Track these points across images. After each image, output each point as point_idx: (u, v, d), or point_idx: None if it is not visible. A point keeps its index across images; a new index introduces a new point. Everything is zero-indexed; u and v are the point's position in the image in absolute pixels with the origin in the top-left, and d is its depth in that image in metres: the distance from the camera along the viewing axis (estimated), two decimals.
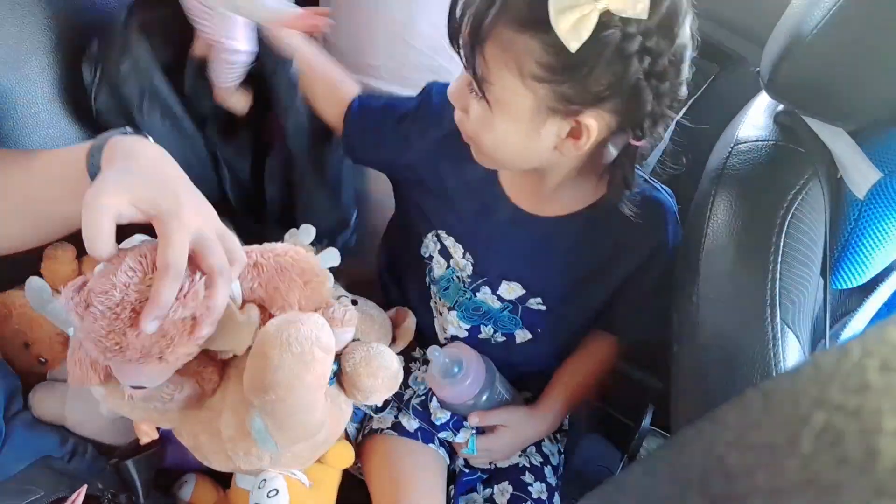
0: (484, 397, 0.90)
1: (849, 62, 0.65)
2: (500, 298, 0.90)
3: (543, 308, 0.89)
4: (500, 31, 0.63)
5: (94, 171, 0.62)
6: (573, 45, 0.60)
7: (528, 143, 0.70)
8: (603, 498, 0.23)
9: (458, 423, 0.95)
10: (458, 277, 0.92)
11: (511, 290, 0.89)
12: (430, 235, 0.93)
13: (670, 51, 0.63)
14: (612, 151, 0.73)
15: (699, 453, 0.20)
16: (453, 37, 0.68)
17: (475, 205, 0.86)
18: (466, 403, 0.90)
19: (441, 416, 0.95)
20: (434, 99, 0.86)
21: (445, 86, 0.76)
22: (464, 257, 0.90)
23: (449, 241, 0.91)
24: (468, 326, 0.95)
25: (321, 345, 0.67)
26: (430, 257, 0.94)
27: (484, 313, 0.93)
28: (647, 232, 0.82)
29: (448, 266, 0.92)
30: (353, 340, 0.77)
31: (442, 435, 0.95)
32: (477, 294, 0.91)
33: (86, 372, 0.65)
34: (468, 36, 0.65)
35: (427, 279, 0.97)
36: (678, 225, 0.85)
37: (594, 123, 0.67)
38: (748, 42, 1.08)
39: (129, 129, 0.66)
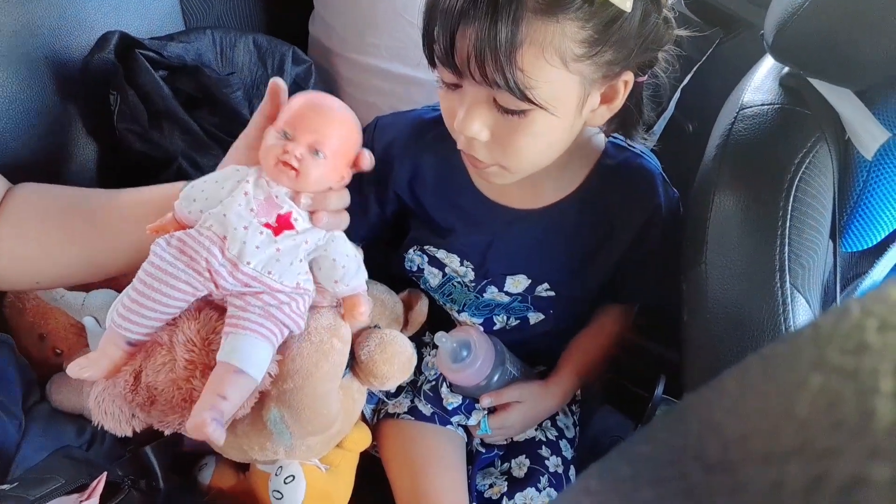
0: (495, 378, 0.90)
1: (853, 21, 0.64)
2: (507, 294, 0.90)
3: (553, 293, 0.89)
4: (531, 30, 0.58)
5: None
6: (627, 4, 0.59)
7: (571, 130, 0.68)
8: (606, 466, 0.23)
9: (469, 406, 0.95)
10: (459, 283, 0.91)
11: (517, 283, 0.88)
12: (412, 251, 0.92)
13: None
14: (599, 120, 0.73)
15: (697, 420, 0.20)
16: (448, 56, 0.61)
17: (463, 220, 0.84)
18: (478, 385, 0.89)
19: (453, 401, 0.95)
20: (386, 136, 0.84)
21: (392, 118, 0.76)
22: (462, 265, 0.89)
23: (440, 253, 0.89)
24: (481, 320, 0.95)
25: (339, 335, 0.68)
26: (420, 270, 0.93)
27: (495, 307, 0.93)
28: (639, 200, 0.82)
29: (444, 275, 0.91)
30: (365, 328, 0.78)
31: (455, 419, 0.95)
32: (484, 294, 0.91)
33: (118, 425, 0.67)
34: (496, 48, 0.58)
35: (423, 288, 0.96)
36: (667, 185, 0.84)
37: (630, 76, 0.67)
38: (753, 5, 1.06)
39: None
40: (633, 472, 0.20)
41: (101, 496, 0.68)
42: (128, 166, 1.02)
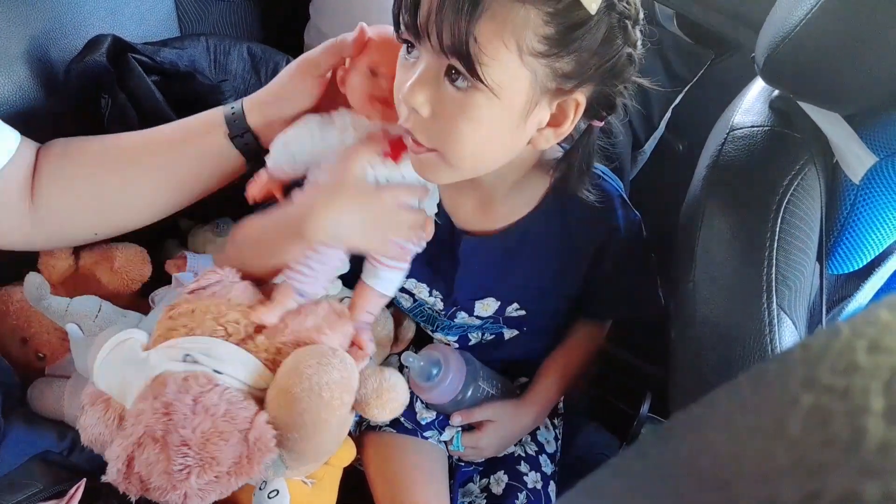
0: (468, 393, 0.89)
1: (842, 47, 0.65)
2: (478, 317, 0.89)
3: (523, 312, 0.88)
4: (497, 4, 0.56)
5: (233, 118, 0.75)
6: (593, 7, 0.57)
7: (514, 134, 0.65)
8: (595, 483, 0.23)
9: (444, 421, 0.95)
10: (429, 309, 0.91)
11: (486, 307, 0.88)
12: None
13: (638, 15, 0.63)
14: (557, 146, 0.72)
15: (689, 437, 0.21)
16: (411, 15, 0.60)
17: (428, 249, 0.80)
18: (452, 401, 0.89)
19: (427, 416, 0.95)
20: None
21: None
22: (430, 294, 0.88)
23: (409, 283, 0.88)
24: (456, 337, 0.95)
25: (349, 389, 0.68)
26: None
27: (468, 328, 0.93)
28: (597, 221, 0.80)
29: (415, 300, 0.91)
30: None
31: (427, 434, 0.95)
32: (455, 319, 0.91)
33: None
34: (457, 11, 0.57)
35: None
36: (627, 207, 0.82)
37: (583, 100, 0.64)
38: (744, 28, 1.07)
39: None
40: (625, 488, 0.20)
41: (80, 503, 0.67)
42: None
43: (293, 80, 0.73)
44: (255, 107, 0.75)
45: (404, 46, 0.64)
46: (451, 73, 0.60)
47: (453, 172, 0.67)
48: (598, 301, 0.91)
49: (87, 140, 0.79)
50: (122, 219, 0.81)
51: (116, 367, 0.66)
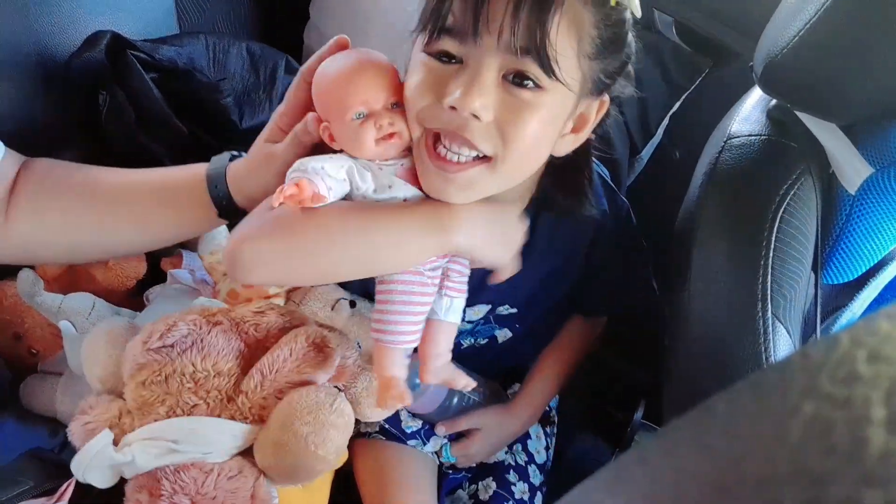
0: (454, 401, 0.89)
1: (840, 58, 0.65)
2: (469, 322, 0.89)
3: (514, 311, 0.88)
4: (568, 3, 0.57)
5: (219, 197, 0.70)
6: (639, 11, 0.59)
7: (551, 144, 0.65)
8: (593, 487, 0.23)
9: (429, 431, 0.95)
10: None
11: (477, 312, 0.87)
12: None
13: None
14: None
15: (689, 442, 0.21)
16: (473, 15, 0.57)
17: None
18: (437, 410, 0.89)
19: (412, 425, 0.95)
20: None
21: None
22: None
23: None
24: None
25: (345, 434, 0.68)
26: None
27: (460, 333, 0.92)
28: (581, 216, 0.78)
29: None
30: (355, 351, 0.77)
31: (412, 443, 0.94)
32: None
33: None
34: (534, 10, 0.56)
35: None
36: (614, 193, 0.81)
37: (607, 101, 0.66)
38: (742, 36, 1.08)
39: (235, 153, 0.73)
40: (625, 494, 0.20)
41: (71, 500, 0.67)
42: (113, 166, 1.02)
43: (262, 164, 0.70)
44: (236, 183, 0.71)
45: (424, 54, 0.62)
46: (512, 76, 0.59)
47: (489, 186, 0.65)
48: (591, 293, 0.90)
49: (69, 169, 0.76)
50: (90, 254, 0.80)
51: (104, 470, 0.66)
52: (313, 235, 0.63)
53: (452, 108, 0.59)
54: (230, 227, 0.73)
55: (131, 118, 0.99)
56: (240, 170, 0.71)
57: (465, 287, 0.72)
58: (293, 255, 0.63)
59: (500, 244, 0.69)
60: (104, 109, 1.00)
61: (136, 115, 1.00)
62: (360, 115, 0.62)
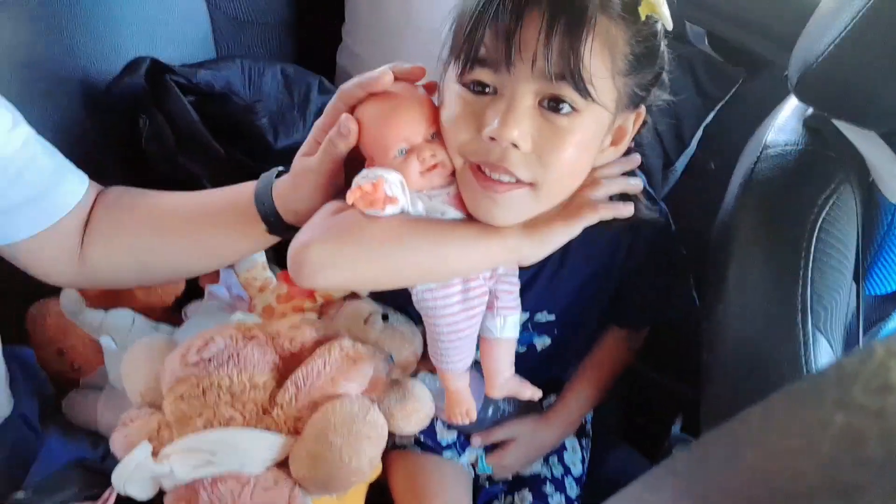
0: (489, 413, 0.89)
1: (878, 64, 0.64)
2: None
3: (552, 317, 0.87)
4: (599, 22, 0.57)
5: (266, 213, 0.72)
6: (670, 23, 0.60)
7: (591, 161, 0.66)
8: (626, 498, 0.23)
9: (464, 442, 0.95)
10: None
11: None
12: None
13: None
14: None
15: (720, 455, 0.20)
16: (505, 44, 0.57)
17: None
18: (472, 423, 0.89)
19: (448, 437, 0.94)
20: None
21: None
22: None
23: None
24: None
25: (378, 447, 0.69)
26: None
27: None
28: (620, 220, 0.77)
29: None
30: (388, 363, 0.78)
31: (447, 455, 0.94)
32: None
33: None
34: (566, 34, 0.56)
35: None
36: (650, 199, 0.79)
37: (643, 112, 0.67)
38: (776, 46, 1.06)
39: (282, 168, 0.74)
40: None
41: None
42: (154, 187, 1.04)
43: (301, 179, 0.71)
44: (281, 199, 0.72)
45: (459, 86, 0.63)
46: (548, 101, 0.60)
47: (535, 207, 0.66)
48: (629, 303, 0.88)
49: (135, 196, 0.80)
50: (156, 279, 0.86)
51: (144, 481, 0.67)
52: (381, 238, 0.63)
53: (492, 138, 0.60)
54: (280, 246, 0.75)
55: (171, 140, 1.02)
56: (284, 186, 0.72)
57: (518, 303, 0.74)
58: (360, 258, 0.64)
59: (550, 244, 0.69)
60: (144, 132, 1.03)
61: (175, 137, 1.02)
62: (402, 151, 0.64)
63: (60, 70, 0.93)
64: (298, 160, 0.71)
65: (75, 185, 0.76)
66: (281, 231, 0.73)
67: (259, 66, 1.15)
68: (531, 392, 0.79)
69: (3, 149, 0.68)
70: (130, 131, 1.03)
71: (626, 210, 0.69)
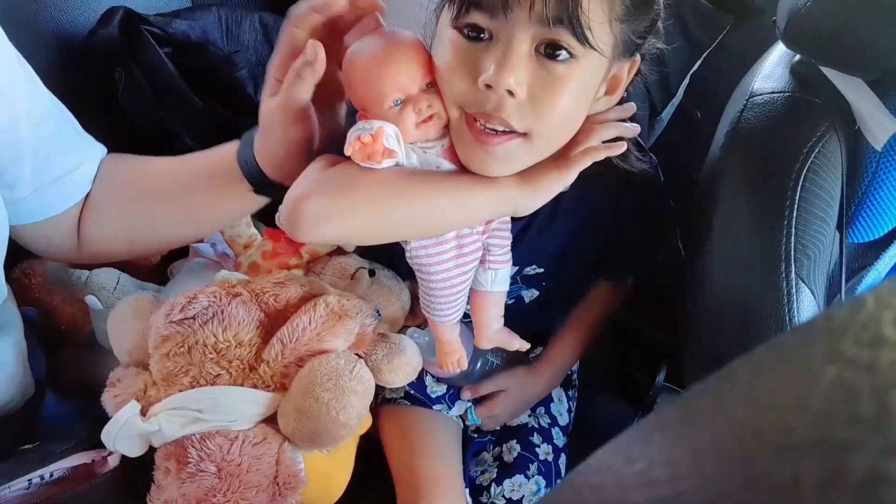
0: (477, 365, 0.90)
1: (866, 10, 0.63)
2: None
3: (541, 270, 0.87)
4: None
5: (251, 173, 0.70)
6: None
7: (586, 110, 0.65)
8: (613, 453, 0.23)
9: (454, 396, 0.96)
10: None
11: None
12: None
13: None
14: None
15: (710, 411, 0.20)
16: None
17: None
18: (461, 375, 0.89)
19: (437, 390, 0.96)
20: None
21: None
22: None
23: None
24: None
25: (366, 400, 0.69)
26: None
27: None
28: (607, 168, 0.76)
29: None
30: (374, 318, 0.78)
31: (437, 407, 0.95)
32: None
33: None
34: None
35: None
36: (641, 150, 0.78)
37: (638, 60, 0.66)
38: None
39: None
40: (644, 458, 0.20)
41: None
42: (131, 142, 1.03)
43: (270, 122, 0.67)
44: (261, 154, 0.70)
45: (454, 31, 0.61)
46: (545, 48, 0.58)
47: (528, 159, 0.65)
48: (617, 255, 0.89)
49: (123, 162, 0.79)
50: (147, 248, 0.85)
51: (133, 439, 0.67)
52: (377, 191, 0.63)
53: (488, 86, 0.58)
54: (268, 208, 0.75)
55: (148, 94, 0.99)
56: (259, 144, 0.70)
57: (509, 257, 0.74)
58: (357, 210, 0.63)
59: (544, 193, 0.68)
60: (121, 86, 1.00)
61: (152, 90, 1.00)
62: (397, 101, 0.62)
63: (32, 23, 0.90)
64: (263, 104, 0.68)
65: (90, 164, 0.75)
66: (267, 190, 0.72)
67: (236, 15, 1.12)
68: (519, 344, 0.80)
69: (19, 132, 0.67)
70: (106, 85, 1.00)
71: (617, 148, 0.67)
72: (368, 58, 0.63)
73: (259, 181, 0.71)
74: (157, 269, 1.03)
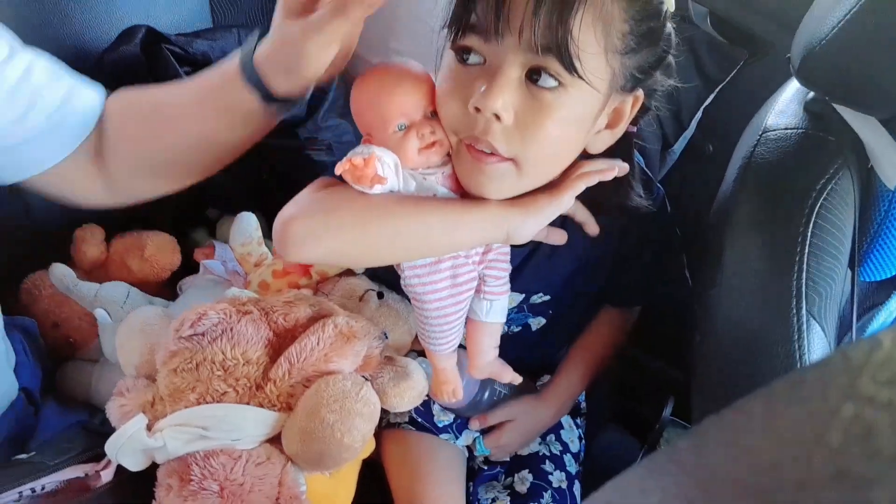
0: (485, 395, 0.90)
1: (881, 49, 0.63)
2: None
3: (548, 298, 0.87)
4: None
5: (255, 82, 0.66)
6: (672, 2, 0.59)
7: (581, 142, 0.65)
8: (627, 485, 0.23)
9: (461, 425, 0.95)
10: None
11: (511, 300, 0.85)
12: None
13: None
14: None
15: (724, 443, 0.20)
16: (494, 14, 0.57)
17: None
18: (469, 404, 0.89)
19: (444, 419, 0.95)
20: None
21: None
22: None
23: None
24: None
25: (371, 423, 0.69)
26: None
27: None
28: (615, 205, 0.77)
29: None
30: (382, 340, 0.78)
31: (443, 437, 0.95)
32: None
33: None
34: (556, 6, 0.55)
35: None
36: (649, 181, 0.79)
37: (641, 96, 0.65)
38: (778, 27, 1.06)
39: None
40: (659, 491, 0.20)
41: (117, 467, 0.69)
42: None
43: (292, 44, 0.64)
44: (267, 66, 0.67)
45: (451, 55, 0.62)
46: (534, 74, 0.58)
47: (520, 183, 0.65)
48: (623, 283, 0.88)
49: (132, 97, 0.76)
50: (171, 180, 0.78)
51: (136, 453, 0.67)
52: (365, 211, 0.63)
53: (477, 109, 0.59)
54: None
55: None
56: (268, 53, 0.66)
57: (506, 288, 0.74)
58: (344, 229, 0.63)
59: (536, 217, 0.67)
60: None
61: None
62: (401, 126, 0.63)
63: (53, 37, 0.91)
64: (280, 23, 0.65)
65: (92, 102, 0.73)
66: (274, 99, 0.68)
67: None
68: (511, 376, 0.80)
69: (3, 81, 0.65)
70: None
71: (609, 172, 0.67)
72: (375, 84, 0.64)
73: (265, 91, 0.67)
74: (167, 284, 1.03)
